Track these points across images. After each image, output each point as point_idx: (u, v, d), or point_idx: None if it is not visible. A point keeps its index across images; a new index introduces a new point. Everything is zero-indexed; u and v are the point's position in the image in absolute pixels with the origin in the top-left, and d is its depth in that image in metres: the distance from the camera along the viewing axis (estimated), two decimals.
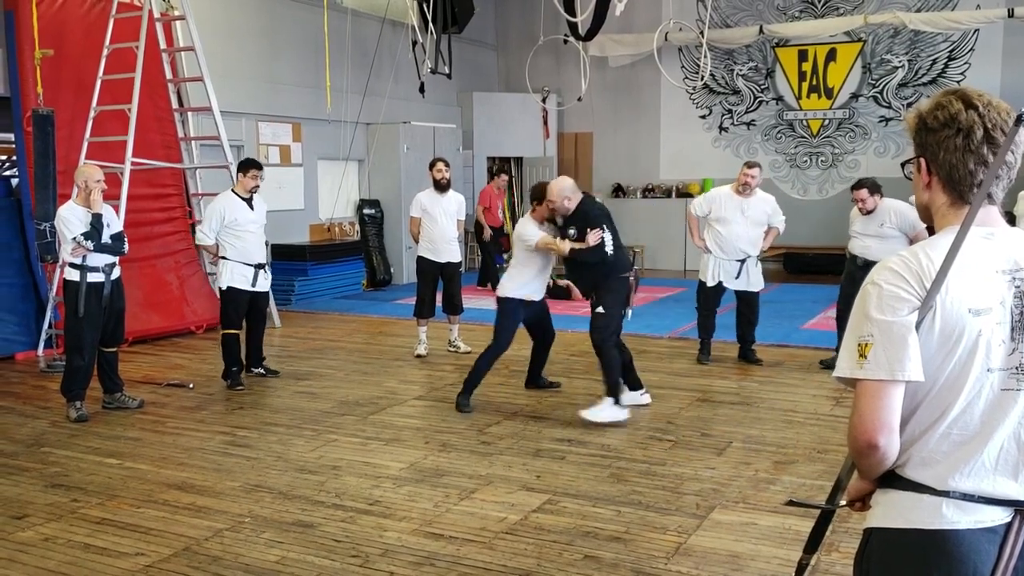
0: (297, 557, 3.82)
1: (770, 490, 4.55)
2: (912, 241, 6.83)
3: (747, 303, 7.58)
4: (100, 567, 3.75)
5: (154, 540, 4.01)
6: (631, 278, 5.97)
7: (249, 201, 6.96)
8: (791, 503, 2.19)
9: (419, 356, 7.94)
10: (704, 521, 4.15)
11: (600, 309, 5.79)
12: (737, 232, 7.36)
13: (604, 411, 5.70)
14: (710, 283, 7.51)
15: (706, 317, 7.65)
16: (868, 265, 7.01)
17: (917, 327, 1.63)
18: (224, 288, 6.91)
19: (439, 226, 7.91)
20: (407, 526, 4.13)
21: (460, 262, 8.18)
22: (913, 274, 1.65)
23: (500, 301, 6.16)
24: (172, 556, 3.84)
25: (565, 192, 5.82)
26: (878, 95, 13.82)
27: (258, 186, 7.00)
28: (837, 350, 7.36)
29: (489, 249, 12.07)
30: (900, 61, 13.62)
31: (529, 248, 5.98)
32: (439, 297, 8.09)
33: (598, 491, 4.56)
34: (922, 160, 1.77)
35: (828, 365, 7.23)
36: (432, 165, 8.15)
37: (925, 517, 1.68)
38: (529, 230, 6.01)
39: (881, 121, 13.82)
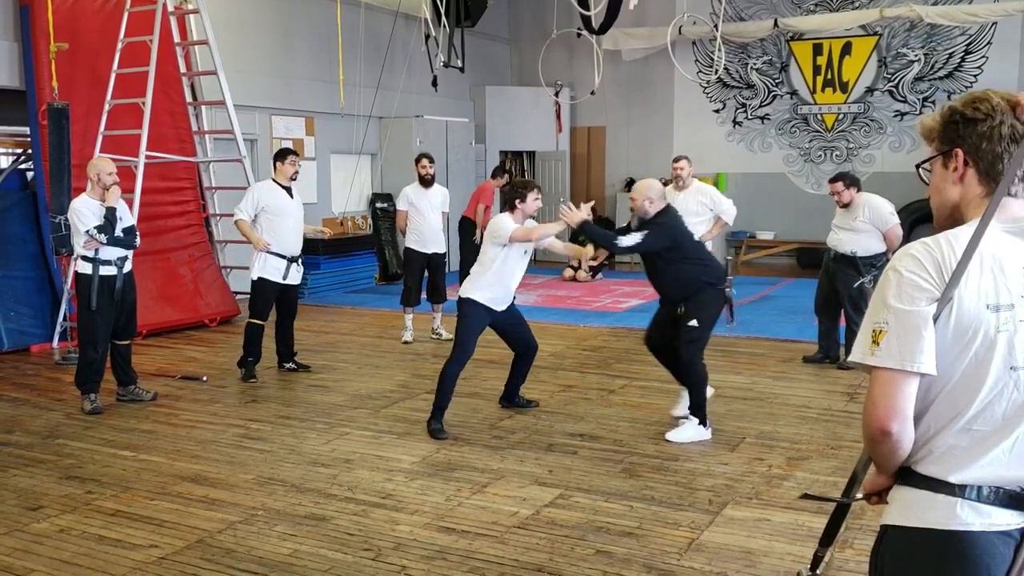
0: (310, 550, 3.82)
1: (783, 486, 4.53)
2: (885, 236, 6.83)
3: None
4: (114, 559, 3.76)
5: (168, 532, 4.03)
6: (727, 290, 5.61)
7: (289, 190, 6.97)
8: (806, 496, 2.18)
9: (406, 343, 8.23)
10: (717, 517, 4.14)
11: (693, 322, 5.23)
12: None
13: (688, 431, 5.30)
14: None
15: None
16: (839, 257, 7.07)
17: (934, 320, 1.60)
18: (255, 279, 6.89)
19: (426, 219, 8.24)
20: (419, 520, 4.14)
21: (445, 252, 8.56)
22: (934, 263, 1.63)
23: (463, 303, 5.55)
24: (185, 548, 3.86)
25: (650, 193, 5.37)
26: (893, 89, 13.71)
27: (297, 172, 7.04)
28: (819, 343, 7.22)
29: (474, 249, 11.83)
30: (916, 55, 13.51)
31: (500, 242, 5.45)
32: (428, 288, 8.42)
33: (610, 486, 4.55)
34: (959, 152, 1.73)
35: (810, 360, 7.32)
36: (417, 161, 8.45)
37: (940, 517, 1.66)
38: (507, 223, 5.50)
39: (896, 115, 13.72)
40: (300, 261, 7.05)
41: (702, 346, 5.33)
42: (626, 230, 5.53)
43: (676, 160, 7.81)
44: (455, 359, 5.52)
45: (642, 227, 5.34)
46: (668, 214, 5.41)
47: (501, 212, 5.68)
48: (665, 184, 8.39)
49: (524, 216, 5.57)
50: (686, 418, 5.38)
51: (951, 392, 1.64)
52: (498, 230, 5.51)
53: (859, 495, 1.86)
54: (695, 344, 5.27)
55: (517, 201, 5.53)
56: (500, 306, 5.60)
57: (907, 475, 1.72)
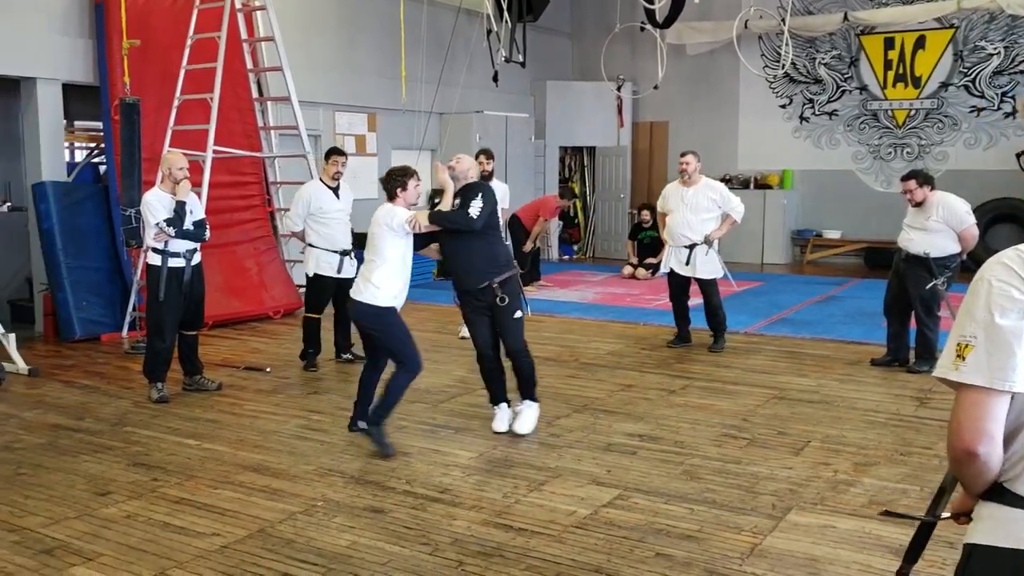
0: (368, 543, 3.84)
1: (850, 492, 4.40)
2: (960, 237, 6.59)
3: (702, 290, 7.74)
4: (178, 545, 3.84)
5: (230, 521, 4.09)
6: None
7: (335, 190, 7.16)
8: (887, 514, 2.07)
9: (463, 338, 8.18)
10: (780, 522, 4.03)
11: (518, 314, 5.28)
12: (678, 219, 7.72)
13: (533, 417, 5.44)
14: (663, 270, 7.98)
15: (674, 304, 7.94)
16: (911, 258, 6.81)
17: None
18: (310, 275, 7.13)
19: None
20: (476, 516, 4.12)
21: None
22: None
23: (384, 313, 5.03)
24: (247, 537, 3.91)
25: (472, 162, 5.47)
26: (970, 84, 13.23)
27: (340, 172, 7.21)
28: (888, 346, 6.95)
29: (526, 253, 11.49)
30: (995, 48, 12.99)
31: (402, 232, 5.03)
32: None
33: (670, 488, 4.48)
34: None
35: (878, 363, 7.08)
36: (476, 157, 8.42)
37: None
38: (400, 210, 5.06)
39: (972, 111, 13.22)
40: (353, 255, 7.18)
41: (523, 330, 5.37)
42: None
43: (683, 155, 7.80)
44: (410, 371, 5.09)
45: (463, 194, 5.19)
46: (478, 179, 5.51)
47: (388, 203, 5.14)
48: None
49: (407, 204, 5.18)
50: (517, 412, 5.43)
51: None
52: (395, 218, 5.01)
53: (946, 514, 1.77)
54: (522, 331, 5.32)
55: (399, 190, 5.10)
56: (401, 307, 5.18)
57: (999, 492, 1.62)
